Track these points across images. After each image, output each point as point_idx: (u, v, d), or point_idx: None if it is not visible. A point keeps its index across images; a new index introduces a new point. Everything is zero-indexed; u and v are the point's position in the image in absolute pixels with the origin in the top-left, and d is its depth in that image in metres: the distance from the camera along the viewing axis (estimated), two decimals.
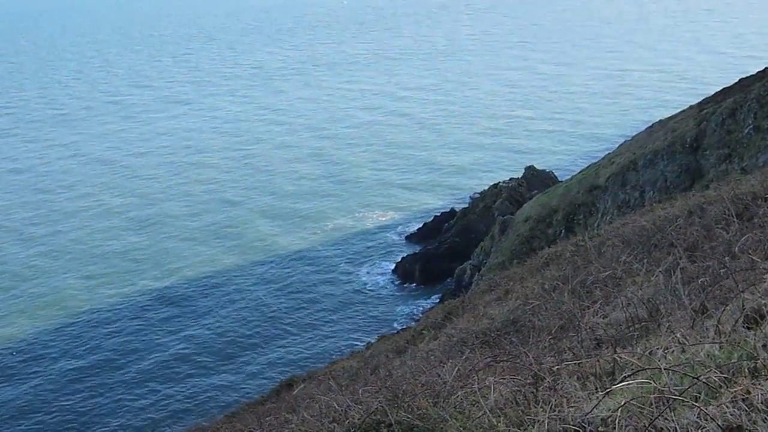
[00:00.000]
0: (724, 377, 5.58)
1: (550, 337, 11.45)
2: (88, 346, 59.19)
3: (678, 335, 7.07)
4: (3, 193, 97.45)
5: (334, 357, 49.77)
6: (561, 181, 67.12)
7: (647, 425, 5.21)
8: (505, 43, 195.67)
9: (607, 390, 6.10)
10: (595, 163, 59.08)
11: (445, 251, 68.33)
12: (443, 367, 11.96)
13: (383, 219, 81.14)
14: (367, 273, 69.23)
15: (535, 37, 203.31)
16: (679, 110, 54.30)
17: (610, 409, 5.73)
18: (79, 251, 77.10)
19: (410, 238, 75.81)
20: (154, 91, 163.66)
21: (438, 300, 58.89)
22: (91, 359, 57.21)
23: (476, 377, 8.92)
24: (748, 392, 5.16)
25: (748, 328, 6.61)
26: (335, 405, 10.44)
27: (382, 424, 8.51)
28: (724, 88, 49.81)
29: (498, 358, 10.66)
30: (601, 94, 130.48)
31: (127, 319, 62.96)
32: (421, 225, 77.43)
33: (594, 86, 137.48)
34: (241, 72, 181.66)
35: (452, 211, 77.84)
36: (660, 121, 55.95)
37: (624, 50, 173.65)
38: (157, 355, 57.32)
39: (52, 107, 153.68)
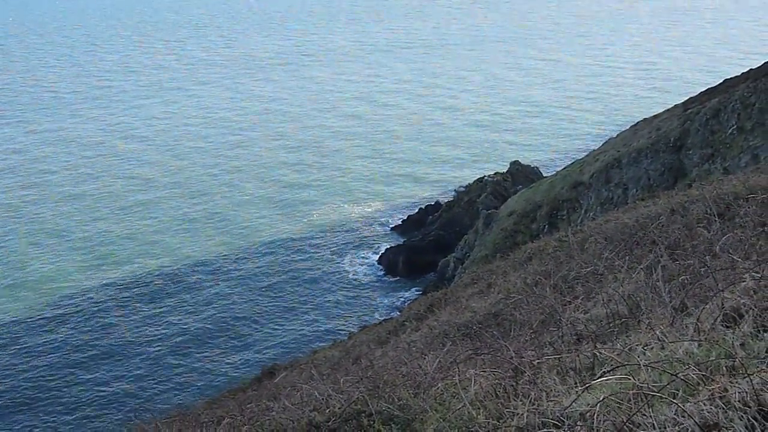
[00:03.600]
0: (703, 375, 5.64)
1: (531, 331, 11.52)
2: (67, 330, 59.01)
3: (657, 332, 7.13)
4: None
5: (316, 346, 49.79)
6: (545, 177, 67.33)
7: (625, 421, 5.26)
8: (494, 38, 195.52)
9: (587, 385, 6.16)
10: (580, 159, 59.31)
11: (429, 244, 68.40)
12: (424, 358, 12.01)
13: (368, 210, 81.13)
14: (351, 263, 69.23)
15: (522, 33, 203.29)
16: (664, 109, 54.48)
17: (588, 404, 5.78)
18: (66, 235, 76.93)
19: (394, 230, 75.86)
20: (144, 77, 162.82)
21: (421, 292, 58.93)
22: (70, 343, 57.05)
23: (457, 369, 8.97)
24: (726, 390, 5.22)
25: (727, 327, 6.68)
26: (316, 394, 10.47)
27: (363, 414, 8.56)
28: (708, 89, 50.09)
29: (479, 351, 10.73)
30: (587, 91, 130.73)
31: (109, 305, 62.78)
32: (405, 217, 77.49)
33: (580, 83, 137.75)
34: (229, 61, 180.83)
35: (437, 204, 77.92)
36: (645, 119, 56.18)
37: (611, 48, 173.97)
38: (136, 341, 57.18)
39: (42, 94, 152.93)
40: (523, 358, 8.27)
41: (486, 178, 76.06)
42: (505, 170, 78.36)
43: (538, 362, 7.90)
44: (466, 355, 10.61)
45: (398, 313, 47.58)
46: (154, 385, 51.51)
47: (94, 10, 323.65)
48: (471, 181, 78.48)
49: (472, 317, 16.64)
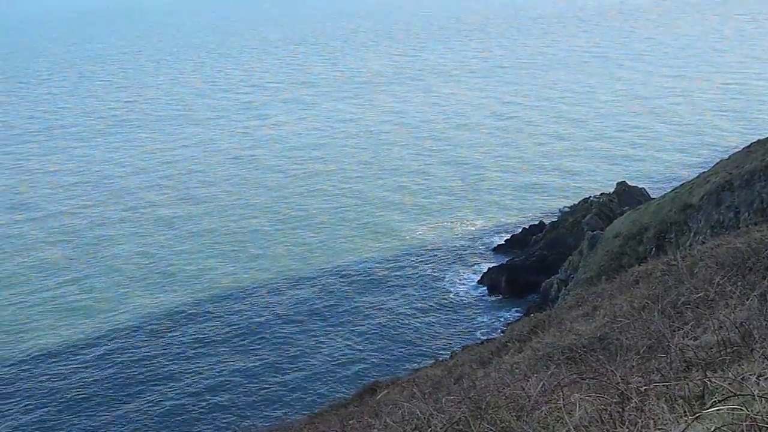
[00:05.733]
0: None
1: (638, 356, 11.32)
2: (172, 335, 60.56)
3: None
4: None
5: (417, 364, 49.87)
6: (653, 198, 66.00)
7: None
8: (614, 57, 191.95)
9: (696, 414, 6.03)
10: (689, 181, 57.89)
11: (532, 264, 67.76)
12: (528, 380, 11.92)
13: (471, 229, 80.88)
14: (452, 282, 69.07)
15: (645, 51, 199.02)
16: None
17: None
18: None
19: (497, 250, 75.38)
20: (271, 92, 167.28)
21: (522, 313, 58.45)
22: (172, 348, 58.52)
23: (561, 393, 8.88)
24: None
25: None
26: (418, 412, 10.50)
27: None
28: None
29: (584, 375, 10.59)
30: (699, 112, 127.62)
31: (210, 316, 64.19)
32: (509, 236, 76.96)
33: (692, 104, 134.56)
34: (352, 77, 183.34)
35: (541, 224, 77.18)
36: (758, 141, 54.54)
37: (730, 68, 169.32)
38: (237, 352, 58.18)
39: (174, 104, 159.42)
40: (629, 384, 8.14)
41: (592, 198, 75.05)
42: (611, 191, 77.19)
43: (645, 389, 7.76)
44: (570, 379, 10.48)
45: (500, 333, 47.30)
46: (255, 398, 52.30)
47: (207, 26, 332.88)
48: (576, 202, 77.56)
49: (576, 340, 16.43)
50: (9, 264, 77.09)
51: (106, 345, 60.59)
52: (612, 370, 9.55)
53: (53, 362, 58.33)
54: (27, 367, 57.83)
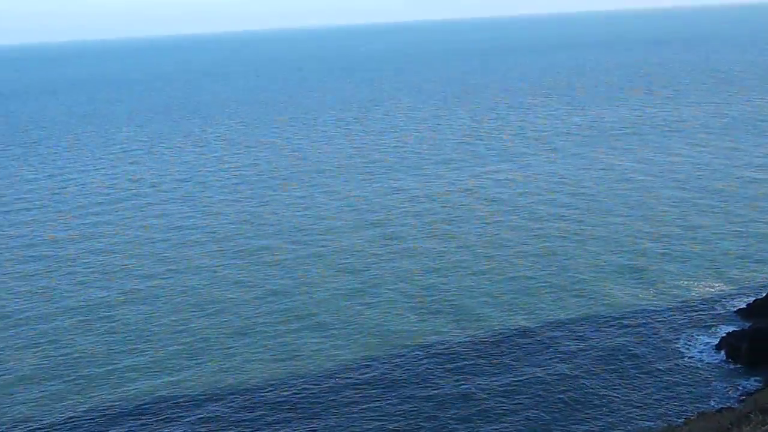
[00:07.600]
0: None
1: None
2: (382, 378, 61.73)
3: None
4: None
5: (645, 426, 48.17)
6: None
7: None
8: None
9: None
10: None
11: None
12: None
13: (710, 290, 77.24)
14: (687, 344, 66.12)
15: None
16: None
17: None
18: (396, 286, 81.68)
19: (738, 313, 71.53)
20: (494, 142, 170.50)
21: (762, 383, 55.05)
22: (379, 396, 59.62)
23: None
24: None
25: None
26: None
27: None
28: None
29: None
30: None
31: (424, 362, 64.98)
32: (751, 300, 72.89)
33: None
34: (568, 130, 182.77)
35: None
36: None
37: None
38: (445, 403, 58.41)
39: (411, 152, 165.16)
40: None
41: None
42: None
43: None
44: None
45: (739, 403, 44.89)
46: None
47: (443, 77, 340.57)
48: None
49: None
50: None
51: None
52: None
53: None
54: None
